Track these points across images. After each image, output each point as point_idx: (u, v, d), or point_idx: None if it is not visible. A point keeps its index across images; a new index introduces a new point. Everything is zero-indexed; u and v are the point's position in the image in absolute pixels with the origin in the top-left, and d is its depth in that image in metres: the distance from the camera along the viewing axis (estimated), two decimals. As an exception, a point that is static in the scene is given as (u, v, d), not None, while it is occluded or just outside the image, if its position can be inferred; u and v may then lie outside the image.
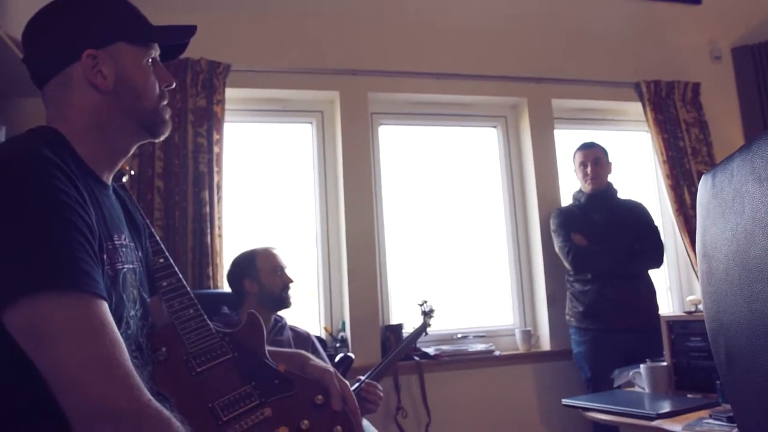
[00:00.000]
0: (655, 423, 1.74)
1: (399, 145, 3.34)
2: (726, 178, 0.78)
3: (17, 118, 2.35)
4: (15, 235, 0.80)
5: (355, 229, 2.98)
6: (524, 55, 3.41)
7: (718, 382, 1.86)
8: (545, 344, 3.19)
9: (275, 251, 2.32)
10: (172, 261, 1.26)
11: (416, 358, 2.91)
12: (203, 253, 2.66)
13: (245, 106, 3.09)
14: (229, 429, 1.05)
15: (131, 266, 1.05)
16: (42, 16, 1.03)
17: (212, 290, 2.62)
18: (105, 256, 0.93)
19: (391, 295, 3.13)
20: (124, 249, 1.02)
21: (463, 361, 2.99)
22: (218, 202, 2.75)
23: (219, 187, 2.77)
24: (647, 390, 2.15)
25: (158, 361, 1.10)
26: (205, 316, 1.20)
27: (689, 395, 2.04)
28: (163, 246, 1.27)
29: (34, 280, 0.78)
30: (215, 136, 2.79)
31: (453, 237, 3.34)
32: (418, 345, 2.90)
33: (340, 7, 3.16)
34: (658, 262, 2.93)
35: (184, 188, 2.71)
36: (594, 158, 2.99)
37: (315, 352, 2.24)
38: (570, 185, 3.23)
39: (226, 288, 2.42)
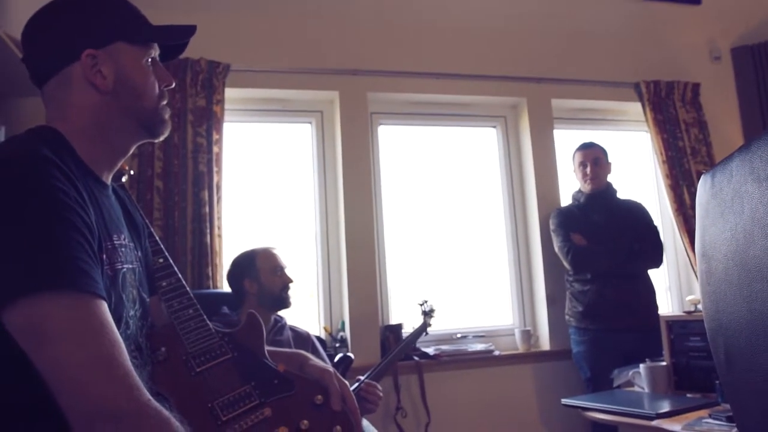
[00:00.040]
0: (655, 423, 1.74)
1: (398, 145, 3.34)
2: (725, 178, 0.78)
3: (17, 118, 2.35)
4: (14, 234, 0.80)
5: (354, 229, 2.98)
6: (524, 55, 3.41)
7: (717, 381, 1.86)
8: (545, 344, 3.19)
9: (275, 251, 2.32)
10: (171, 261, 1.26)
11: (416, 357, 2.91)
12: (203, 253, 2.66)
13: (245, 106, 3.09)
14: (229, 429, 1.05)
15: (130, 266, 1.05)
16: (41, 15, 1.03)
17: (212, 290, 2.62)
18: (104, 256, 0.93)
19: (390, 295, 3.13)
20: (123, 249, 1.02)
21: (462, 361, 2.99)
22: (218, 202, 2.75)
23: (218, 187, 2.77)
24: (647, 390, 2.15)
25: (157, 361, 1.10)
26: (205, 316, 1.20)
27: (688, 395, 2.04)
28: (162, 246, 1.27)
29: (33, 280, 0.78)
30: (215, 136, 2.79)
31: (452, 237, 3.34)
32: (417, 345, 2.90)
33: (339, 7, 3.16)
34: (657, 262, 2.93)
35: (183, 188, 2.71)
36: (593, 158, 2.99)
37: (315, 352, 2.24)
38: (569, 185, 3.24)
39: (225, 288, 2.42)
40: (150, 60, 1.07)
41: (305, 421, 1.09)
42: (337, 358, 2.30)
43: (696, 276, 3.34)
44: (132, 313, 1.03)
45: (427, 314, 2.75)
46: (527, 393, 3.09)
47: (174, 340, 1.14)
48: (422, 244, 3.29)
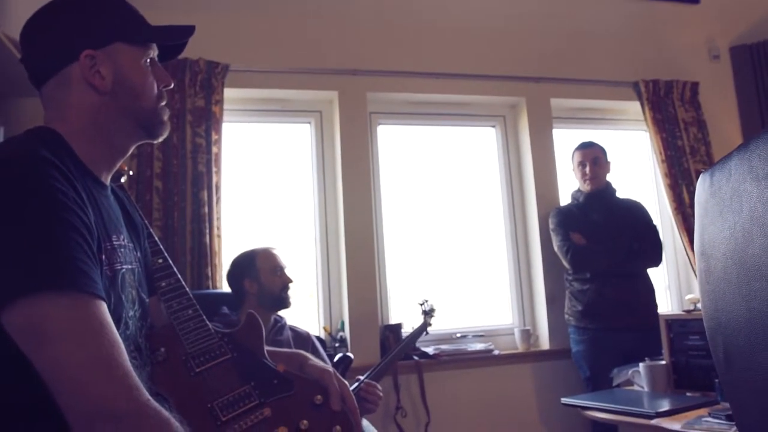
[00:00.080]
0: (654, 421, 1.74)
1: (398, 144, 3.34)
2: (724, 176, 0.78)
3: (16, 119, 2.35)
4: (14, 235, 0.80)
5: (354, 229, 2.98)
6: (523, 55, 3.41)
7: (716, 380, 1.87)
8: (544, 343, 3.19)
9: (275, 251, 2.32)
10: (170, 261, 1.26)
11: (415, 357, 2.91)
12: (202, 253, 2.66)
13: (244, 106, 3.09)
14: (228, 429, 1.04)
15: (130, 267, 1.05)
16: (40, 16, 1.03)
17: (212, 290, 2.62)
18: (103, 257, 0.93)
19: (390, 295, 3.13)
20: (122, 249, 1.02)
21: (462, 360, 2.99)
22: (217, 202, 2.75)
23: (218, 188, 2.77)
24: (646, 389, 2.16)
25: (157, 361, 1.10)
26: (204, 317, 1.20)
27: (688, 394, 2.04)
28: (161, 246, 1.27)
29: (33, 281, 0.78)
30: (214, 137, 2.79)
31: (452, 236, 3.34)
32: (417, 344, 2.90)
33: (338, 7, 3.16)
34: (656, 261, 2.93)
35: (182, 188, 2.71)
36: (593, 158, 2.99)
37: (315, 352, 2.24)
38: (569, 184, 3.24)
39: (225, 288, 2.42)
40: (148, 60, 1.07)
41: (305, 421, 1.09)
42: (336, 358, 2.30)
43: (695, 275, 3.35)
44: (131, 313, 1.03)
45: (427, 314, 2.75)
46: (527, 392, 3.09)
47: (173, 341, 1.14)
48: (421, 244, 3.29)
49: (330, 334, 2.97)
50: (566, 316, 2.99)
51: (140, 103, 1.04)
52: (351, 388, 1.30)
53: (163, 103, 1.09)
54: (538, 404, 3.09)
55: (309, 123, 3.22)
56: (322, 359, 2.17)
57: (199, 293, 2.39)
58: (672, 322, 2.22)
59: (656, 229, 2.99)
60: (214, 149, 2.78)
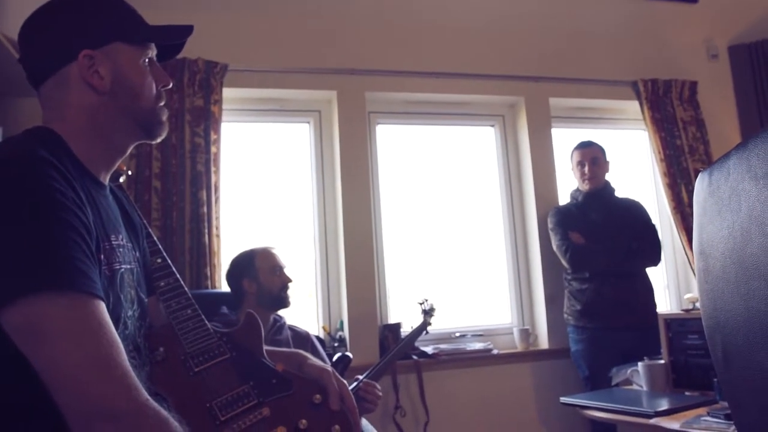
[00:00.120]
0: (653, 421, 1.75)
1: (397, 144, 3.34)
2: (722, 176, 0.79)
3: (14, 118, 2.35)
4: (12, 235, 0.80)
5: (352, 229, 2.98)
6: (522, 54, 3.41)
7: (715, 379, 1.87)
8: (543, 343, 3.19)
9: (274, 251, 2.32)
10: (169, 261, 1.25)
11: (414, 357, 2.91)
12: (201, 253, 2.66)
13: (242, 105, 3.09)
14: (227, 429, 1.04)
15: (128, 266, 1.05)
16: (38, 15, 1.03)
17: (211, 290, 2.62)
18: (102, 257, 0.93)
19: (389, 295, 3.13)
20: (121, 249, 1.02)
21: (461, 359, 2.99)
22: (216, 202, 2.75)
23: (216, 187, 2.76)
24: (645, 388, 2.16)
25: (156, 361, 1.10)
26: (203, 316, 1.20)
27: (687, 393, 2.05)
28: (160, 246, 1.27)
29: (31, 280, 0.78)
30: (213, 136, 2.79)
31: (451, 236, 3.34)
32: (416, 344, 2.90)
33: (337, 6, 3.16)
34: (655, 260, 2.93)
35: (181, 188, 2.71)
36: (591, 157, 2.99)
37: (314, 351, 2.24)
38: (568, 184, 3.24)
39: (224, 288, 2.42)
40: (147, 60, 1.07)
41: (304, 421, 1.09)
42: (335, 358, 2.30)
43: (694, 274, 3.35)
44: (130, 313, 1.02)
45: (427, 313, 2.75)
46: (526, 392, 3.09)
47: (172, 340, 1.14)
48: (420, 244, 3.29)
49: (329, 333, 2.97)
50: (565, 316, 3.00)
51: (139, 103, 1.04)
52: (350, 388, 1.31)
53: (162, 103, 1.09)
54: (537, 403, 3.09)
55: (308, 123, 3.22)
56: (322, 359, 2.17)
57: (198, 293, 2.39)
58: (671, 321, 2.22)
59: (655, 228, 2.99)
60: (213, 149, 2.78)
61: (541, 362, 3.13)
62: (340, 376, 1.19)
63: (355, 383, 2.07)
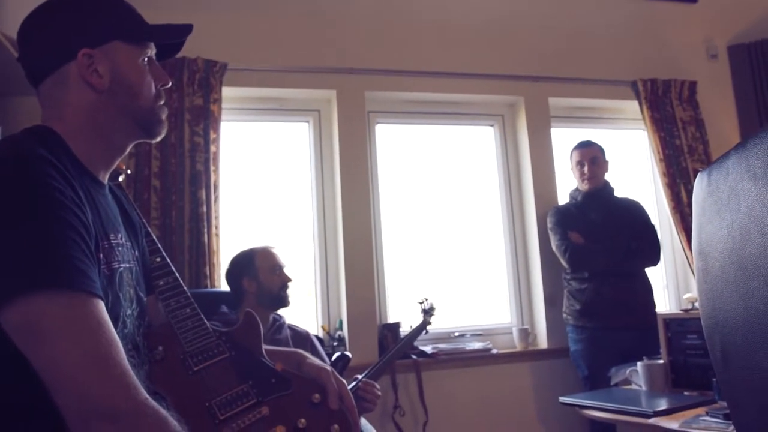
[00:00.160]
0: (652, 420, 1.75)
1: (396, 143, 3.34)
2: (722, 175, 0.79)
3: (13, 117, 2.35)
4: (11, 234, 0.80)
5: (352, 228, 2.98)
6: (521, 54, 3.41)
7: (714, 379, 1.87)
8: (542, 342, 3.19)
9: (274, 250, 2.32)
10: (168, 260, 1.25)
11: (414, 356, 2.91)
12: (200, 252, 2.66)
13: (242, 105, 3.09)
14: (226, 428, 1.04)
15: (128, 265, 1.05)
16: (37, 14, 1.03)
17: (210, 289, 2.62)
18: (101, 255, 0.93)
19: (388, 294, 3.13)
20: (120, 248, 1.02)
21: (460, 359, 2.99)
22: (215, 201, 2.75)
23: (216, 186, 2.76)
24: (644, 388, 2.16)
25: (155, 360, 1.10)
26: (202, 315, 1.20)
27: (686, 393, 2.05)
28: (159, 245, 1.26)
29: (30, 279, 0.78)
30: (212, 135, 2.79)
31: (450, 235, 3.34)
32: (415, 343, 2.90)
33: (336, 6, 3.16)
34: (654, 260, 2.93)
35: (180, 187, 2.71)
36: (591, 157, 2.99)
37: (314, 350, 2.24)
38: (567, 184, 3.24)
39: (223, 287, 2.42)
40: (146, 59, 1.07)
41: (303, 420, 1.09)
42: (334, 357, 2.30)
43: (693, 274, 3.35)
44: (129, 312, 1.02)
45: (427, 312, 2.74)
46: (525, 391, 3.09)
47: (171, 339, 1.14)
48: (420, 243, 3.29)
49: (328, 333, 2.97)
50: (564, 315, 3.00)
51: (138, 102, 1.04)
52: (349, 387, 1.31)
53: (161, 102, 1.09)
54: (536, 403, 3.09)
55: (307, 122, 3.22)
56: (322, 358, 2.17)
57: (198, 292, 2.39)
58: (670, 321, 2.22)
59: (654, 228, 2.99)
60: (213, 148, 2.78)
61: (541, 362, 3.13)
62: (339, 376, 1.19)
63: (354, 383, 2.07)
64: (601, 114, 3.67)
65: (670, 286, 3.59)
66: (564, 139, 3.44)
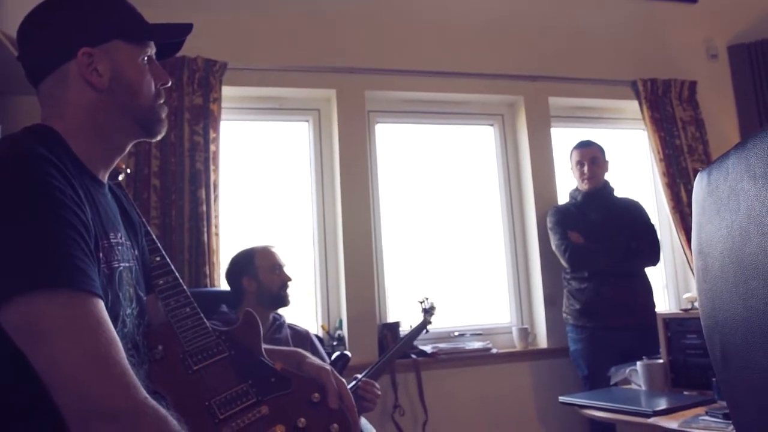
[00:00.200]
0: (652, 420, 1.75)
1: (396, 143, 3.34)
2: (721, 175, 0.79)
3: (13, 116, 2.35)
4: (11, 233, 0.80)
5: (352, 228, 2.98)
6: (521, 54, 3.41)
7: (714, 379, 1.87)
8: (542, 342, 3.19)
9: (274, 249, 2.32)
10: (168, 259, 1.25)
11: (413, 356, 2.91)
12: (200, 251, 2.66)
13: (242, 104, 3.09)
14: (226, 427, 1.04)
15: (127, 264, 1.05)
16: (37, 13, 1.03)
17: (210, 288, 2.62)
18: (101, 255, 0.93)
19: (388, 294, 3.13)
20: (120, 247, 1.02)
21: (460, 359, 2.99)
22: (215, 200, 2.75)
23: (216, 186, 2.76)
24: (644, 387, 2.16)
25: (155, 359, 1.10)
26: (202, 315, 1.20)
27: (685, 392, 2.05)
28: (159, 244, 1.26)
29: (29, 279, 0.78)
30: (212, 135, 2.79)
31: (450, 235, 3.34)
32: (415, 343, 2.90)
33: (336, 5, 3.16)
34: (654, 260, 2.93)
35: (180, 186, 2.71)
36: (591, 157, 2.99)
37: (314, 350, 2.24)
38: (567, 183, 3.24)
39: (223, 286, 2.42)
40: (146, 58, 1.06)
41: (302, 419, 1.09)
42: (334, 357, 2.30)
43: (693, 273, 3.35)
44: (129, 311, 1.02)
45: (428, 312, 2.74)
46: (525, 391, 3.09)
47: (171, 339, 1.14)
48: (419, 243, 3.29)
49: (328, 332, 2.97)
50: (564, 315, 3.00)
51: (138, 101, 1.04)
52: (349, 387, 1.30)
53: (161, 101, 1.09)
54: (535, 403, 3.09)
55: (307, 121, 3.22)
56: (322, 358, 2.17)
57: (198, 291, 2.39)
58: (669, 320, 2.22)
59: (654, 228, 3.00)
60: (212, 147, 2.78)
61: (540, 361, 3.13)
62: (338, 375, 1.19)
63: (353, 382, 2.07)
64: (601, 114, 3.67)
65: (669, 286, 3.59)
66: (564, 139, 3.44)
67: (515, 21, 3.42)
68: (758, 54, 3.67)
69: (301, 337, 2.28)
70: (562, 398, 2.17)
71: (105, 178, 1.07)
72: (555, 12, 3.48)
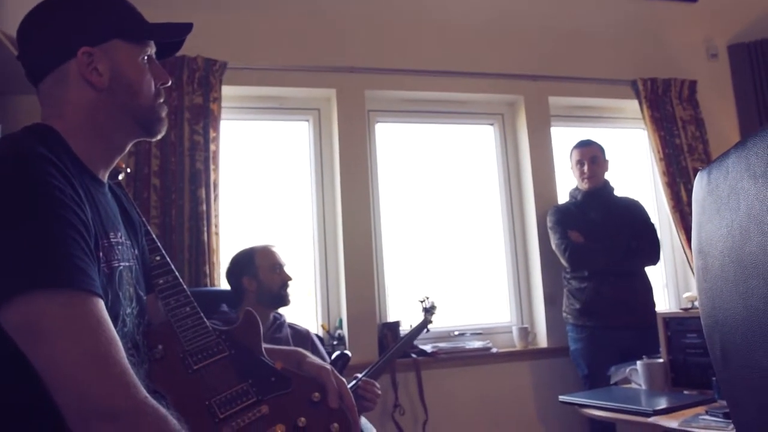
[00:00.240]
0: (652, 419, 1.75)
1: (396, 142, 3.34)
2: (721, 174, 0.79)
3: (13, 116, 2.35)
4: (11, 233, 0.80)
5: (352, 227, 2.98)
6: (521, 53, 3.41)
7: (714, 378, 1.87)
8: (542, 341, 3.19)
9: (274, 249, 2.32)
10: (168, 259, 1.25)
11: (413, 355, 2.91)
12: (200, 251, 2.66)
13: (242, 103, 3.09)
14: (226, 426, 1.04)
15: (127, 264, 1.05)
16: (37, 12, 1.03)
17: (211, 288, 2.62)
18: (101, 254, 0.93)
19: (388, 293, 3.13)
20: (120, 247, 1.02)
21: (460, 358, 2.99)
22: (215, 199, 2.75)
23: (216, 185, 2.76)
24: (644, 387, 2.16)
25: (155, 358, 1.10)
26: (202, 314, 1.20)
27: (685, 392, 2.05)
28: (159, 244, 1.26)
29: (29, 278, 0.78)
30: (212, 134, 2.79)
31: (450, 234, 3.34)
32: (415, 342, 2.90)
33: (336, 4, 3.15)
34: (654, 259, 2.93)
35: (180, 186, 2.71)
36: (591, 156, 2.99)
37: (314, 349, 2.23)
38: (567, 182, 3.24)
39: (223, 286, 2.42)
40: (146, 57, 1.06)
41: (302, 419, 1.09)
42: (334, 356, 2.30)
43: (693, 273, 3.35)
44: (129, 310, 1.02)
45: (428, 311, 2.74)
46: (525, 390, 3.09)
47: (171, 338, 1.14)
48: (420, 242, 3.29)
49: (328, 331, 2.97)
50: (564, 314, 3.00)
51: (137, 101, 1.04)
52: (349, 386, 1.31)
53: (161, 101, 1.09)
54: (535, 402, 3.09)
55: (307, 121, 3.22)
56: (322, 357, 2.17)
57: (198, 290, 2.39)
58: (669, 320, 2.22)
59: (654, 227, 3.00)
60: (212, 147, 2.78)
61: (540, 361, 3.13)
62: (339, 374, 1.19)
63: (354, 381, 2.07)
64: (601, 113, 3.67)
65: (669, 285, 3.59)
66: (564, 138, 3.44)
67: (515, 21, 3.42)
68: (758, 53, 3.67)
69: (301, 336, 2.28)
70: (562, 397, 2.17)
71: (105, 177, 1.07)
72: (555, 12, 3.47)
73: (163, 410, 0.81)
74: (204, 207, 2.69)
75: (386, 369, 2.64)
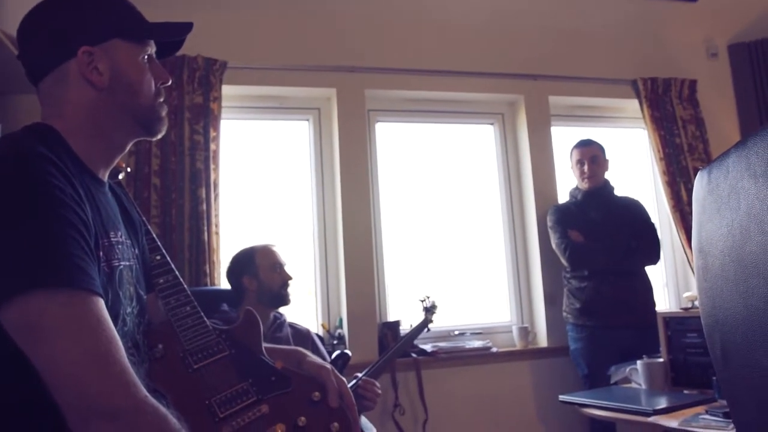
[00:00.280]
0: (652, 419, 1.75)
1: (396, 142, 3.34)
2: (722, 174, 0.79)
3: (13, 115, 2.35)
4: (11, 232, 0.80)
5: (352, 226, 2.98)
6: (521, 53, 3.41)
7: (714, 377, 1.87)
8: (542, 341, 3.19)
9: (274, 248, 2.32)
10: (168, 258, 1.25)
11: (414, 354, 2.91)
12: (200, 250, 2.66)
13: (242, 103, 3.09)
14: (226, 426, 1.05)
15: (127, 263, 1.05)
16: (37, 12, 1.03)
17: (211, 287, 2.62)
18: (101, 253, 0.93)
19: (388, 292, 3.13)
20: (120, 246, 1.02)
21: (460, 357, 2.99)
22: (215, 199, 2.75)
23: (216, 185, 2.76)
24: (644, 386, 2.16)
25: (155, 358, 1.10)
26: (202, 313, 1.20)
27: (686, 391, 2.05)
28: (159, 243, 1.26)
29: (29, 278, 0.78)
30: (212, 133, 2.79)
31: (450, 234, 3.34)
32: (415, 341, 2.90)
33: (337, 4, 3.15)
34: (654, 258, 2.93)
35: (180, 185, 2.71)
36: (591, 156, 2.99)
37: (315, 349, 2.23)
38: (567, 182, 3.24)
39: (223, 285, 2.42)
40: (146, 57, 1.06)
41: (302, 418, 1.09)
42: (334, 355, 2.30)
43: (693, 272, 3.35)
44: (129, 310, 1.02)
45: (429, 311, 2.73)
46: (525, 390, 3.09)
47: (171, 337, 1.14)
48: (420, 241, 3.29)
49: (328, 331, 2.97)
50: (564, 314, 3.00)
51: (138, 100, 1.04)
52: (349, 386, 1.31)
53: (161, 100, 1.09)
54: (535, 402, 3.09)
55: (307, 120, 3.22)
56: (323, 356, 2.17)
57: (198, 290, 2.39)
58: (670, 319, 2.22)
59: (654, 226, 2.99)
60: (212, 146, 2.78)
61: (540, 360, 3.13)
62: (339, 374, 1.19)
63: (354, 381, 2.07)
64: (601, 113, 3.67)
65: (669, 285, 3.59)
66: (564, 138, 3.43)
67: (515, 20, 3.42)
68: (758, 53, 3.67)
69: (301, 335, 2.29)
70: (562, 397, 2.17)
71: (105, 176, 1.07)
72: (555, 11, 3.47)
73: (163, 409, 0.81)
74: (204, 206, 2.69)
75: (386, 368, 2.64)
